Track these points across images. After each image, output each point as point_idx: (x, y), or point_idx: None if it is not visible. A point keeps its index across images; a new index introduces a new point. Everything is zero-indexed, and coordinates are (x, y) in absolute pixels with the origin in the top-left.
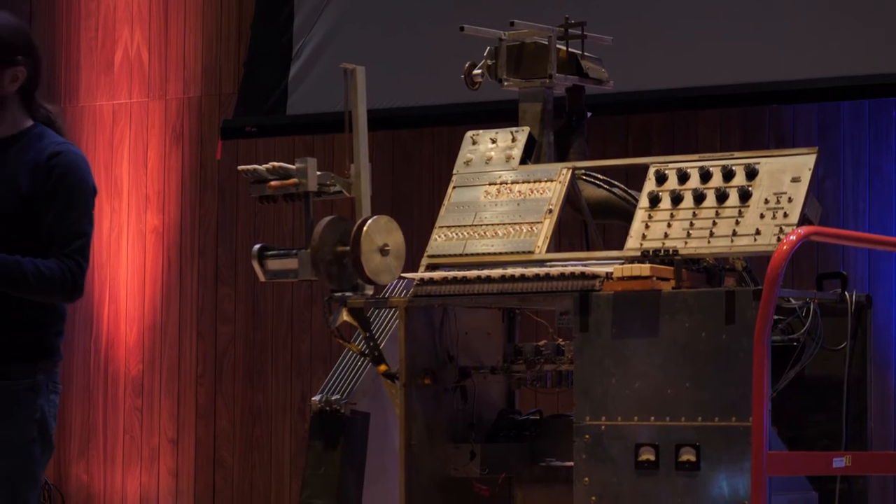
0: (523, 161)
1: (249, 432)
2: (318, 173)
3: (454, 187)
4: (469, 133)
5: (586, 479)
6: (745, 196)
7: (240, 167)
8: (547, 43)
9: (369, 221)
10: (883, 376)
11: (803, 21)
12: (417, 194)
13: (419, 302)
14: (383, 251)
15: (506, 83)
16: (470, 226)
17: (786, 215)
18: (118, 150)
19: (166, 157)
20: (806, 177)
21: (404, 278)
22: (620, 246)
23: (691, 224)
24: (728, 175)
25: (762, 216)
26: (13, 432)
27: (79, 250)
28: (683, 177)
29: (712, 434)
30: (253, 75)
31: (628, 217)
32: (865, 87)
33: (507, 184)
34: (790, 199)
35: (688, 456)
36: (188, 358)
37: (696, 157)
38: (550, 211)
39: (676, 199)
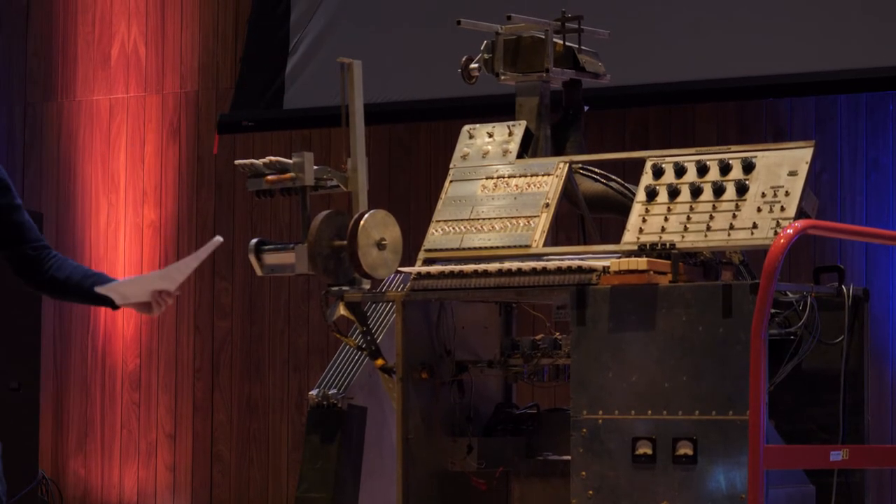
0: (520, 155)
1: (247, 426)
2: (315, 167)
3: (451, 181)
4: (466, 127)
5: (583, 472)
6: (742, 190)
7: (237, 161)
8: (543, 37)
9: (366, 216)
10: (880, 370)
11: (800, 14)
12: (414, 189)
13: (416, 296)
14: (380, 245)
15: (502, 77)
16: (467, 220)
17: (783, 209)
18: (115, 145)
19: (163, 152)
20: (803, 170)
21: (401, 272)
22: (617, 240)
23: (688, 218)
24: (725, 169)
25: (759, 210)
26: None
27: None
28: (680, 171)
29: (709, 428)
30: (250, 70)
31: (625, 211)
32: (862, 81)
33: (503, 178)
34: (787, 193)
35: (685, 449)
36: (185, 352)
37: (692, 150)
38: (547, 205)
39: (673, 192)
